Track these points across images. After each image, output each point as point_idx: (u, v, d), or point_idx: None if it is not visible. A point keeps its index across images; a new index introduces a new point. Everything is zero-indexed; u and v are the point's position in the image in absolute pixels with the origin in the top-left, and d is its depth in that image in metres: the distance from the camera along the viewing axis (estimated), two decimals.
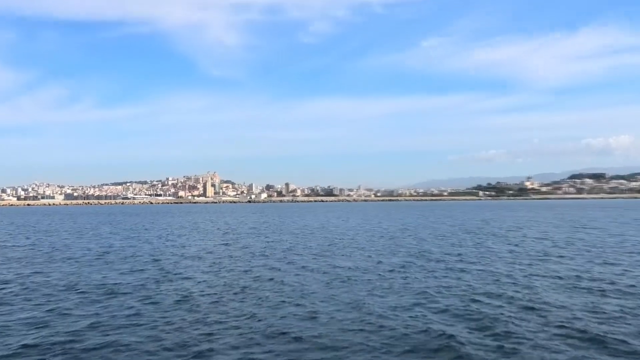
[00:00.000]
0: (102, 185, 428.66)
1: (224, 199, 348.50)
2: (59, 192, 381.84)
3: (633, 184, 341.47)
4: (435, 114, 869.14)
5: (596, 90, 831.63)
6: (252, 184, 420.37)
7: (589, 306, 12.95)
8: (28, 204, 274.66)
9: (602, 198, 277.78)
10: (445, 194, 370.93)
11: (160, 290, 15.68)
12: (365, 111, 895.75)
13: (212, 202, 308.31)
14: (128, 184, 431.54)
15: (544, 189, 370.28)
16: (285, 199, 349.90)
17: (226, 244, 31.68)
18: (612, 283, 16.08)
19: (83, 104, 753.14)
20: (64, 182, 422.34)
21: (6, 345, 10.30)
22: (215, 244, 32.24)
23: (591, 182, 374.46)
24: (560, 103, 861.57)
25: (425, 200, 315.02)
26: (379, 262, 21.87)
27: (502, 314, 12.21)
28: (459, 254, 24.32)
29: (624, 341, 10.03)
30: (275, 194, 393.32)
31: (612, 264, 20.33)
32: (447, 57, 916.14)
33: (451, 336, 10.39)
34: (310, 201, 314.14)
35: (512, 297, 14.09)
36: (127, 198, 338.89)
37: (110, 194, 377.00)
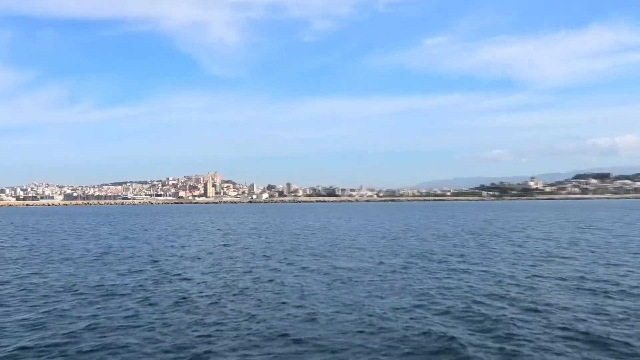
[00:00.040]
0: (102, 185, 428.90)
1: (224, 199, 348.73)
2: (59, 192, 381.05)
3: (638, 184, 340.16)
4: (438, 114, 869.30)
5: (602, 89, 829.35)
6: (253, 184, 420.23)
7: (593, 308, 12.81)
8: (27, 204, 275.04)
9: (607, 198, 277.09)
10: (448, 194, 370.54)
11: (159, 292, 15.58)
12: (367, 110, 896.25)
13: (212, 203, 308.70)
14: (128, 184, 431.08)
15: (548, 189, 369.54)
16: (286, 199, 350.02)
17: (226, 245, 31.56)
18: (616, 284, 15.92)
19: (83, 104, 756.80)
20: (64, 182, 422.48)
21: (3, 347, 10.20)
22: (215, 244, 32.13)
23: (596, 182, 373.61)
24: (565, 102, 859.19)
25: (428, 200, 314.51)
26: (381, 262, 21.74)
27: (504, 315, 12.07)
28: (462, 255, 24.17)
29: (627, 343, 9.88)
30: (277, 194, 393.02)
31: (616, 265, 20.18)
32: (450, 56, 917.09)
33: (452, 338, 10.26)
34: (312, 201, 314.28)
35: (514, 299, 13.96)
36: (127, 198, 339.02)
37: (110, 194, 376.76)
